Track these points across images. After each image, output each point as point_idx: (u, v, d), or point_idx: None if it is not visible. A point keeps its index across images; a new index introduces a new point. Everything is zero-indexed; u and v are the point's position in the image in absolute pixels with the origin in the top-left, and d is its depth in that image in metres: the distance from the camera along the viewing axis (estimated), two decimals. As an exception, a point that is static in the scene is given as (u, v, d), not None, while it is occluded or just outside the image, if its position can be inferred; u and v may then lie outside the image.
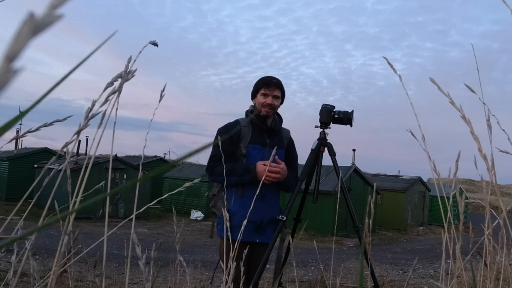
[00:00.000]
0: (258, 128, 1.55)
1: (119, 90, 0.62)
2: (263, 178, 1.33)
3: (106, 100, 0.61)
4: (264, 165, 1.44)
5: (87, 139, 9.20)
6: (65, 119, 0.62)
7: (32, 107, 0.18)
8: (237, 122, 1.57)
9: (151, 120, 0.77)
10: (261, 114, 1.54)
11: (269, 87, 1.54)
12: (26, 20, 0.13)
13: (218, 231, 1.54)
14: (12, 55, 0.13)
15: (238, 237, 1.01)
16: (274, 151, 1.04)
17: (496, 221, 0.82)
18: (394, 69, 0.82)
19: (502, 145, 0.76)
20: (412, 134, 0.83)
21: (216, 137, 1.52)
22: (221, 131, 1.54)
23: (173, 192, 0.77)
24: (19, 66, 0.13)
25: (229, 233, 1.05)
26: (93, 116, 0.61)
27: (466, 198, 0.89)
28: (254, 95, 1.59)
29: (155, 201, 0.80)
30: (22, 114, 0.18)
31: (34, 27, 0.13)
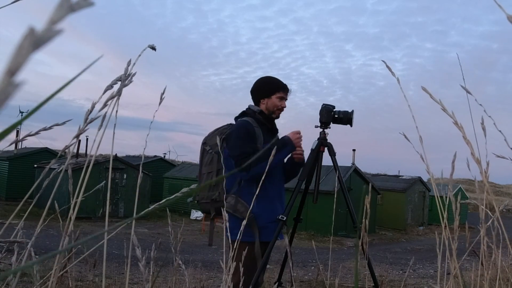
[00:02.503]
0: (266, 129, 1.56)
1: (118, 94, 0.62)
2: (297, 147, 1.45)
3: (105, 104, 0.61)
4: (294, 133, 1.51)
5: (87, 139, 9.21)
6: (64, 123, 0.62)
7: (32, 112, 0.18)
8: (248, 121, 1.53)
9: (151, 122, 0.78)
10: (273, 116, 1.56)
11: (285, 91, 1.57)
12: (26, 35, 0.13)
13: (232, 235, 1.32)
14: (13, 69, 0.13)
15: (239, 238, 1.00)
16: (274, 151, 1.04)
17: (490, 220, 0.82)
18: (392, 72, 0.83)
19: (502, 144, 0.77)
20: (406, 137, 0.83)
21: (241, 133, 1.47)
22: (243, 128, 1.49)
23: (171, 198, 0.78)
24: (20, 80, 0.13)
25: (228, 234, 1.04)
26: (92, 120, 0.62)
27: (465, 198, 0.89)
28: (267, 95, 1.56)
29: (155, 205, 0.80)
30: (22, 119, 0.18)
31: (34, 41, 0.13)
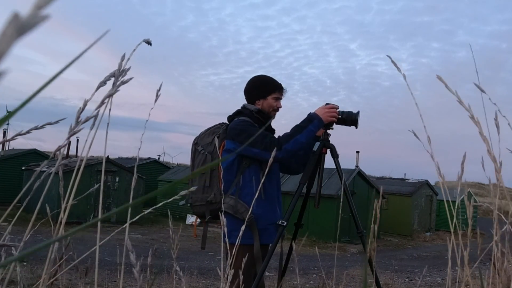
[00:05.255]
0: (264, 129, 1.51)
1: (115, 91, 0.58)
2: (330, 118, 1.43)
3: (102, 103, 0.58)
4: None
5: (77, 140, 9.03)
6: (57, 121, 0.58)
7: (19, 108, 0.17)
8: (247, 120, 1.48)
9: (147, 120, 0.74)
10: (267, 115, 1.52)
11: (281, 92, 1.54)
12: (10, 21, 0.13)
13: (232, 237, 1.29)
14: None
15: (234, 242, 0.95)
16: (274, 153, 1.00)
17: (506, 226, 0.79)
18: (398, 68, 0.80)
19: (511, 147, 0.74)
20: (416, 136, 0.80)
21: (249, 123, 1.44)
22: (247, 121, 1.45)
23: (168, 200, 0.73)
24: (4, 69, 0.13)
25: (226, 239, 0.99)
26: (88, 119, 0.57)
27: (475, 202, 0.86)
28: (263, 96, 1.52)
29: (150, 209, 0.76)
30: (10, 115, 0.17)
31: (19, 27, 0.13)
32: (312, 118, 1.43)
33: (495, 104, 0.74)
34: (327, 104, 1.49)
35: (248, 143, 1.38)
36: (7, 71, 0.13)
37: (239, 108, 1.55)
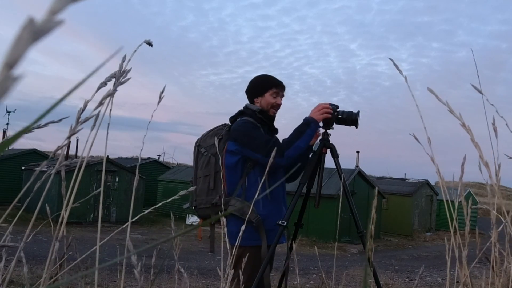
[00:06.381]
0: (267, 128, 1.51)
1: (114, 91, 0.59)
2: (323, 115, 1.43)
3: (101, 103, 0.58)
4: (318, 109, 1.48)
5: (77, 140, 9.03)
6: (60, 120, 0.58)
7: (43, 115, 0.17)
8: (250, 120, 1.46)
9: (149, 122, 0.74)
10: (269, 114, 1.51)
11: (279, 88, 1.52)
12: (25, 26, 0.13)
13: (232, 239, 1.23)
14: (12, 61, 0.13)
15: (235, 242, 0.95)
16: (274, 153, 1.00)
17: (502, 225, 0.79)
18: (400, 71, 0.80)
19: None
20: (416, 138, 0.80)
21: (252, 126, 1.43)
22: (250, 123, 1.44)
23: (167, 200, 0.74)
24: (19, 73, 0.13)
25: (228, 239, 0.99)
26: (87, 119, 0.58)
27: (475, 202, 0.86)
28: (260, 93, 1.50)
29: (150, 209, 0.76)
30: (28, 127, 0.17)
31: (34, 32, 0.13)
32: (308, 122, 1.44)
33: (492, 105, 0.74)
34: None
35: (251, 148, 1.38)
36: (23, 75, 0.13)
37: (241, 108, 1.54)
